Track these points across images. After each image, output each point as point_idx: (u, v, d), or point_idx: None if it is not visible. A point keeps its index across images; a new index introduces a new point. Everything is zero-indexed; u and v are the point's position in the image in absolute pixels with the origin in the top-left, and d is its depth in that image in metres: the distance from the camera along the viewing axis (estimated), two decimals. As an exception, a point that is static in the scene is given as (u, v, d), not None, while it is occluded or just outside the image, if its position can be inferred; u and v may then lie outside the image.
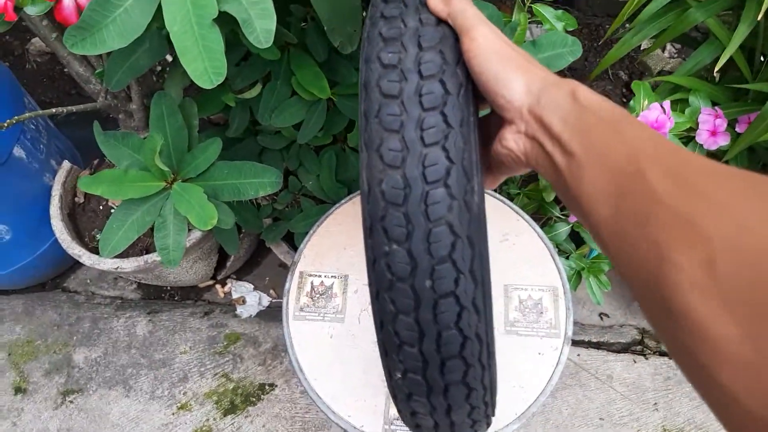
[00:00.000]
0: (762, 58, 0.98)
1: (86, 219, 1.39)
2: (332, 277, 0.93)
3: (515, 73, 0.39)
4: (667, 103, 0.75)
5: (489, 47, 0.39)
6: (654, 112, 0.74)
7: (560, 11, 0.91)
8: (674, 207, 0.27)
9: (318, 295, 0.91)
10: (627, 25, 1.11)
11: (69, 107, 1.14)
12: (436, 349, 0.39)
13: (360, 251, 0.94)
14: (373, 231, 0.38)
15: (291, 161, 1.08)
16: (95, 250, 1.33)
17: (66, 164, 1.37)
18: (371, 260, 0.39)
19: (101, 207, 1.39)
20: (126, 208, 0.88)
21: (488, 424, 0.50)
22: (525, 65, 0.39)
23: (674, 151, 0.31)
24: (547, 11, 0.90)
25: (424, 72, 0.39)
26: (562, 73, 0.90)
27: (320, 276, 0.93)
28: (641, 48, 1.86)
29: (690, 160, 0.29)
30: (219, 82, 0.59)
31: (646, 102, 0.76)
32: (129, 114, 1.31)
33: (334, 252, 0.94)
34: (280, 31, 0.78)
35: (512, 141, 0.40)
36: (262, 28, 0.60)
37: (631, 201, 0.30)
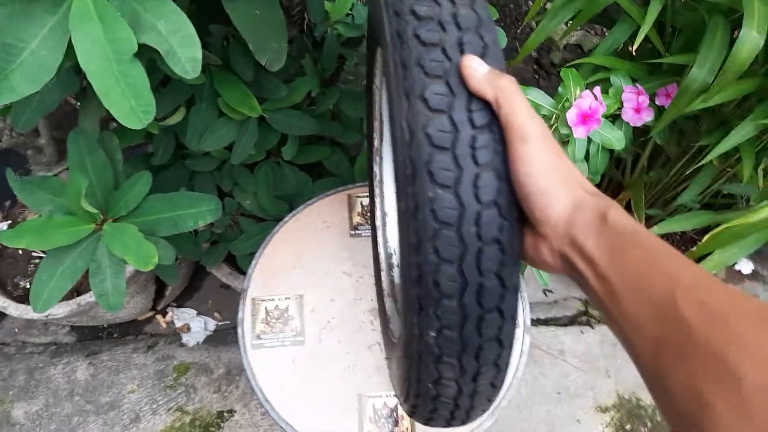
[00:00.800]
0: (672, 31, 1.03)
1: (6, 266, 1.29)
2: (286, 298, 0.90)
3: (562, 192, 0.38)
4: (597, 89, 0.77)
5: (542, 159, 0.37)
6: (587, 99, 0.76)
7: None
8: (708, 344, 0.28)
9: (274, 320, 0.88)
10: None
11: (-28, 152, 1.05)
12: (477, 301, 0.38)
13: (312, 268, 0.92)
14: (417, 177, 0.38)
15: (224, 182, 1.04)
16: (20, 299, 1.24)
17: (-25, 211, 1.27)
18: (412, 210, 0.38)
19: (20, 252, 1.29)
20: (54, 256, 0.82)
21: (496, 396, 0.49)
22: (571, 181, 0.38)
23: (707, 284, 0.31)
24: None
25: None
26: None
27: (273, 299, 0.90)
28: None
29: (722, 295, 0.30)
30: (149, 121, 0.55)
31: (577, 90, 0.78)
32: (38, 149, 1.23)
33: (285, 272, 0.91)
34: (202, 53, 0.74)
35: (546, 254, 0.40)
36: (186, 57, 0.57)
37: (668, 336, 0.31)
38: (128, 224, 0.80)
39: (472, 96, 0.38)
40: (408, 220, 0.39)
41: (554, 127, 0.81)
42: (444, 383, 0.43)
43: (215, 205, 0.83)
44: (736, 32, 0.88)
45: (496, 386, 0.45)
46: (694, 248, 0.81)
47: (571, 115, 0.76)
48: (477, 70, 0.38)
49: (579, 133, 0.77)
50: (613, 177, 1.32)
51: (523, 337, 0.87)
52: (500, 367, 0.43)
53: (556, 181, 0.38)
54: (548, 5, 1.05)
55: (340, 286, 0.91)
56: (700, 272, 0.32)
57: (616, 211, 0.37)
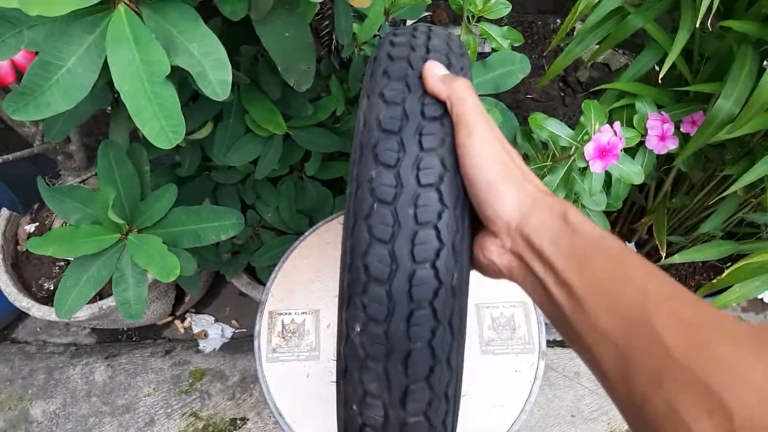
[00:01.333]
0: (700, 57, 1.02)
1: (31, 267, 1.32)
2: (303, 313, 0.91)
3: (509, 185, 0.37)
4: (617, 125, 0.77)
5: (486, 151, 0.37)
6: (606, 134, 0.75)
7: (505, 28, 0.92)
8: (689, 368, 0.26)
9: (290, 334, 0.89)
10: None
11: (5, 156, 1.08)
12: (407, 291, 0.36)
13: (330, 284, 0.93)
14: (362, 158, 0.39)
15: (248, 195, 1.05)
16: (44, 300, 1.27)
17: (5, 212, 1.30)
18: (354, 189, 0.39)
19: (46, 254, 1.32)
20: (80, 264, 0.83)
21: None
22: (519, 177, 0.38)
23: (681, 297, 0.30)
24: (492, 29, 0.90)
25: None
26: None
27: (290, 314, 0.91)
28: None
29: (698, 310, 0.29)
30: (179, 141, 0.57)
31: (597, 124, 0.78)
32: (68, 155, 1.25)
33: (303, 287, 0.92)
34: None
35: (495, 254, 0.38)
36: (217, 79, 0.58)
37: (641, 354, 0.29)
38: (152, 236, 0.81)
39: (427, 93, 0.40)
40: (348, 203, 0.39)
41: (572, 159, 0.81)
42: (369, 402, 0.38)
43: (237, 220, 0.85)
44: (765, 62, 0.88)
45: (431, 422, 0.39)
46: (715, 280, 0.81)
47: (589, 149, 0.76)
48: (434, 71, 0.40)
49: (596, 167, 0.77)
50: (636, 201, 1.31)
51: (537, 362, 0.87)
52: (434, 389, 0.38)
53: (504, 174, 0.37)
54: (578, 24, 1.04)
55: (358, 303, 0.92)
56: (673, 284, 0.31)
57: (575, 212, 0.35)
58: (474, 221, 0.41)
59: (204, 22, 0.60)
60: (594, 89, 0.93)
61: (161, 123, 0.57)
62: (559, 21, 2.29)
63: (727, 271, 0.76)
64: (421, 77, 0.41)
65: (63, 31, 0.59)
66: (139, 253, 0.81)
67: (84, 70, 0.58)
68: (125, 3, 0.57)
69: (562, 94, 2.17)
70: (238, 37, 0.76)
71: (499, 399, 0.84)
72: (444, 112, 0.40)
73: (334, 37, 0.84)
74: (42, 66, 0.57)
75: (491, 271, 0.40)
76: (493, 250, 0.39)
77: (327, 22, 0.83)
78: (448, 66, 0.42)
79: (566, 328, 0.34)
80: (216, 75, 0.58)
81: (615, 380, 0.30)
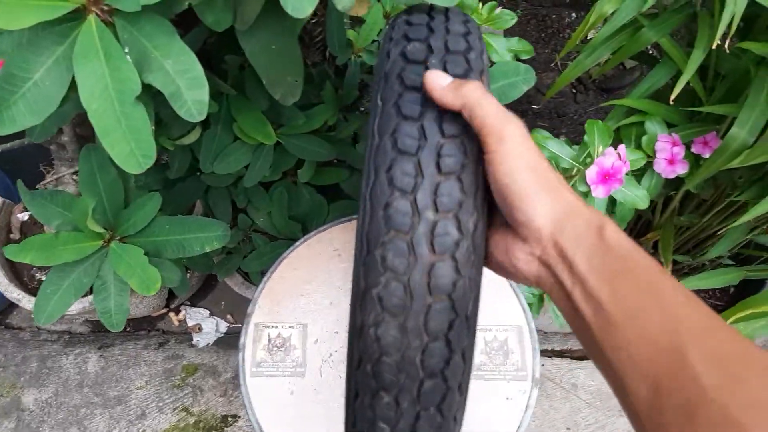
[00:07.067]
0: (715, 74, 0.97)
1: (24, 257, 1.30)
2: (290, 327, 0.88)
3: (543, 192, 0.34)
4: (622, 148, 0.73)
5: (520, 156, 0.34)
6: (609, 158, 0.71)
7: (515, 39, 0.87)
8: (724, 406, 0.25)
9: (275, 348, 0.87)
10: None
11: (-5, 148, 1.06)
12: (426, 284, 0.35)
13: (319, 298, 0.90)
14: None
15: (239, 198, 1.02)
16: (35, 291, 1.25)
17: (-3, 200, 1.28)
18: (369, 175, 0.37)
19: (39, 244, 1.30)
20: (60, 270, 0.81)
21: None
22: (554, 183, 0.35)
23: (715, 329, 0.28)
24: (496, 41, 0.86)
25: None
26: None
27: (277, 327, 0.88)
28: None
29: (733, 343, 0.28)
30: (149, 165, 0.54)
31: (600, 148, 0.73)
32: (61, 145, 1.23)
33: (291, 300, 0.90)
34: (215, 81, 0.72)
35: (523, 261, 0.36)
36: (193, 99, 0.55)
37: (673, 387, 0.28)
38: (134, 247, 0.79)
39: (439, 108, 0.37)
40: (362, 196, 0.38)
41: (574, 181, 0.77)
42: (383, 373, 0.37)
43: (224, 231, 0.82)
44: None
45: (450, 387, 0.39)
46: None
47: (591, 173, 0.72)
48: (437, 82, 0.36)
49: (598, 192, 0.73)
50: (643, 214, 1.27)
51: (530, 390, 0.84)
52: (448, 383, 0.38)
53: (539, 181, 0.35)
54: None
55: (346, 319, 0.89)
56: (708, 313, 0.30)
57: (613, 228, 0.33)
58: (492, 218, 0.39)
59: (184, 32, 0.56)
60: (603, 104, 0.88)
61: (131, 146, 0.53)
62: (574, 15, 2.23)
63: (730, 320, 0.73)
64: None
65: (31, 42, 0.55)
66: (120, 263, 0.78)
67: (52, 84, 0.55)
68: (96, 14, 0.54)
69: (574, 91, 2.11)
70: (224, 45, 0.72)
71: (488, 427, 0.81)
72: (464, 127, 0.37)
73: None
74: (7, 79, 0.54)
75: (514, 277, 0.38)
76: (520, 256, 0.37)
77: (321, 28, 0.79)
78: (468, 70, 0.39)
79: (591, 344, 0.33)
80: (192, 95, 0.55)
81: (643, 410, 0.29)
